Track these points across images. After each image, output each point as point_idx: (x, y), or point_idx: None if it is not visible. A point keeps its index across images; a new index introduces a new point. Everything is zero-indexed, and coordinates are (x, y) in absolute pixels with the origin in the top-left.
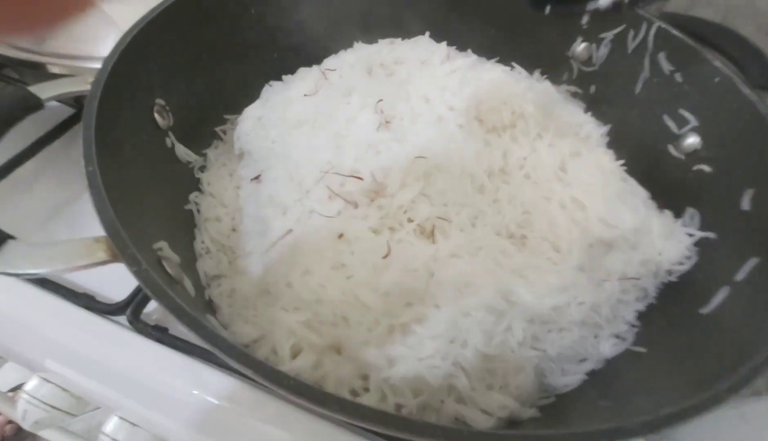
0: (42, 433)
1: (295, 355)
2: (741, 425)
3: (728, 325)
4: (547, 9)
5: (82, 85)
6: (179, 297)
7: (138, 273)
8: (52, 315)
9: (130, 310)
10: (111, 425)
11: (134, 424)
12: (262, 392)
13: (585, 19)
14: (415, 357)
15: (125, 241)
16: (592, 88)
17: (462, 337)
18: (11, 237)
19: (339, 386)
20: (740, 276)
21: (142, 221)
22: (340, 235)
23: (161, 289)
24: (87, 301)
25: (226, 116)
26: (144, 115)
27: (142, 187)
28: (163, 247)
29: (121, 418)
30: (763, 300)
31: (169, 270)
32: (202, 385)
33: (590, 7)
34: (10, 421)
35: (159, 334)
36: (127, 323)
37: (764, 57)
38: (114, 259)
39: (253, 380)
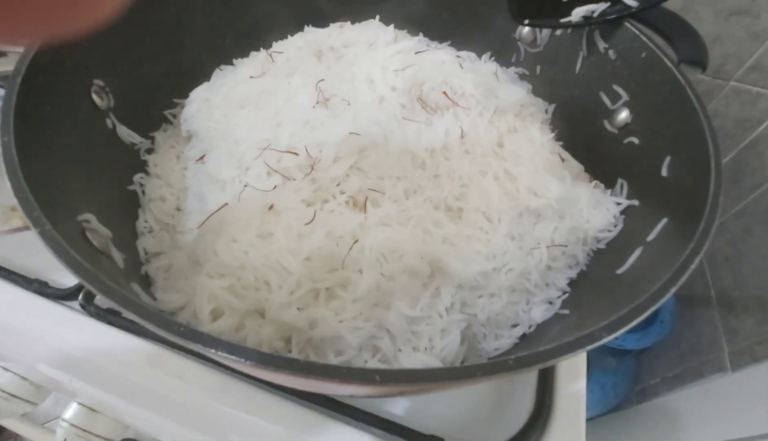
0: (5, 423)
1: (215, 318)
2: (706, 400)
3: (635, 282)
4: (525, 22)
5: (11, 65)
6: (97, 265)
7: (41, 233)
8: (3, 302)
9: (82, 294)
10: (71, 412)
11: (93, 410)
12: (216, 371)
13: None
14: (336, 318)
15: (31, 204)
16: (538, 69)
17: (386, 300)
18: None
19: (259, 346)
20: (651, 236)
21: (69, 194)
22: (270, 207)
23: (62, 247)
24: (39, 287)
25: (176, 100)
26: (80, 94)
27: (73, 164)
28: (90, 219)
29: (80, 404)
30: (664, 256)
31: (93, 241)
32: (156, 365)
33: (563, 21)
34: None
35: (112, 317)
36: (79, 308)
37: (693, 33)
38: (27, 225)
39: (205, 359)
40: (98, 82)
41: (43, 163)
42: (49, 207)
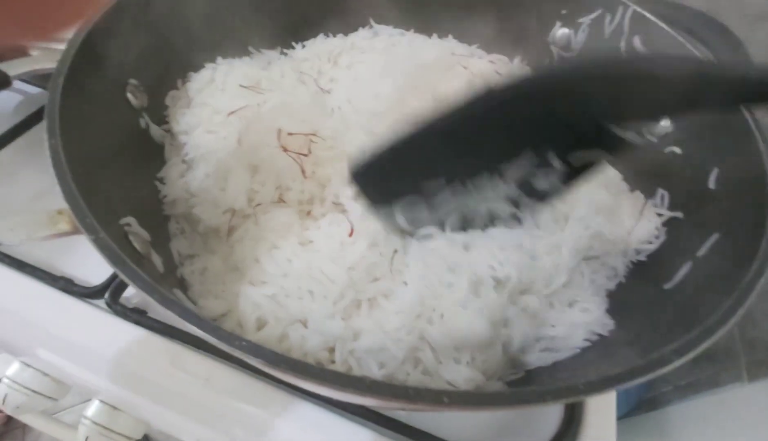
0: (24, 418)
1: (260, 328)
2: (721, 410)
3: (689, 298)
4: None
5: (51, 63)
6: (142, 269)
7: (96, 241)
8: (30, 298)
9: (108, 293)
10: (92, 409)
11: (115, 408)
12: (240, 372)
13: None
14: (380, 329)
15: (84, 210)
16: None
17: (428, 314)
18: None
19: (304, 358)
20: (702, 252)
21: (110, 197)
22: (309, 212)
23: (118, 256)
24: (65, 285)
25: None
26: (116, 93)
27: (112, 165)
28: (131, 222)
29: (102, 401)
30: (719, 273)
31: (136, 245)
32: (182, 366)
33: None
34: None
35: (138, 316)
36: (105, 306)
37: (735, 40)
38: (75, 230)
39: (230, 360)
40: (133, 80)
41: (85, 165)
42: (96, 211)
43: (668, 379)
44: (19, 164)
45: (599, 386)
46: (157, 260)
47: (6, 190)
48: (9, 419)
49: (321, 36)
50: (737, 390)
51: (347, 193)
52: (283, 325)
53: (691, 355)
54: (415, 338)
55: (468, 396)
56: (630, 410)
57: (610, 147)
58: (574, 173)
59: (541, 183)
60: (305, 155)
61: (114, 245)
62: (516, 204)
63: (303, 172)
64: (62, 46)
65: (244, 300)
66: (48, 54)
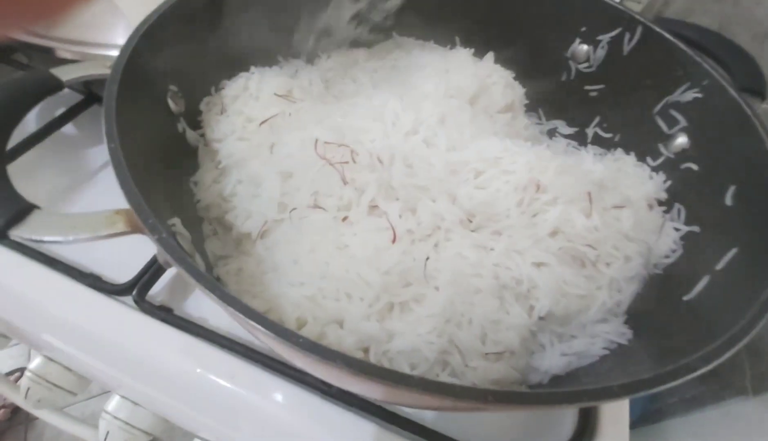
0: (40, 413)
1: (300, 327)
2: (727, 425)
3: (709, 309)
4: None
5: (101, 69)
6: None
7: (160, 241)
8: (59, 294)
9: (136, 290)
10: (113, 404)
11: (136, 403)
12: (264, 371)
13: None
14: (413, 332)
15: (147, 211)
16: (589, 89)
17: (457, 319)
18: (36, 207)
19: None
20: (720, 265)
21: (156, 199)
22: (344, 218)
23: (182, 255)
24: (93, 281)
25: None
26: (158, 100)
27: (154, 168)
28: (176, 223)
29: (122, 397)
30: (738, 286)
31: (183, 245)
32: (205, 364)
33: None
34: (2, 406)
35: (164, 314)
36: (132, 303)
37: (751, 61)
38: (133, 230)
39: (254, 359)
40: (173, 87)
41: (138, 167)
42: (154, 212)
43: (673, 391)
44: (45, 164)
45: (633, 388)
46: (198, 260)
47: (32, 190)
48: (12, 415)
49: (344, 47)
50: (742, 403)
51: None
52: (321, 324)
53: (716, 362)
54: (445, 341)
55: (510, 395)
56: (635, 421)
57: None
58: None
59: None
60: (345, 163)
61: (177, 244)
62: None
63: (344, 180)
64: (102, 52)
65: (285, 300)
66: (99, 60)
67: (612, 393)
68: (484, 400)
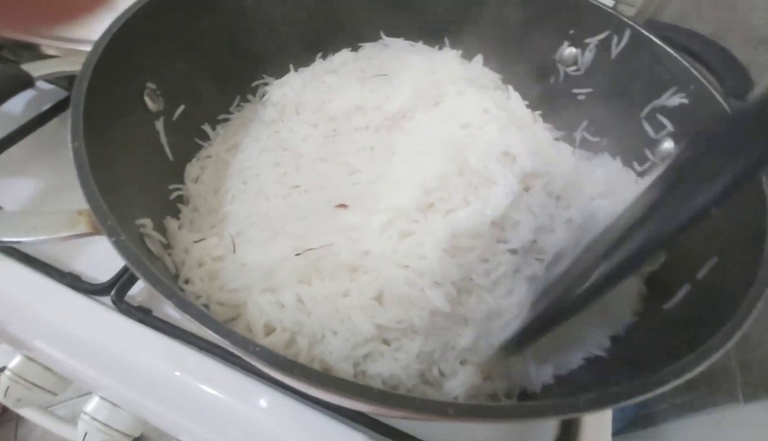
0: (23, 412)
1: (268, 333)
2: (718, 431)
3: (689, 319)
4: None
5: (74, 65)
6: (157, 271)
7: (117, 243)
8: (37, 293)
9: (114, 291)
10: (92, 405)
11: (115, 405)
12: (242, 375)
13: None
14: (396, 363)
15: (106, 212)
16: (577, 92)
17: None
18: None
19: (311, 363)
20: (701, 274)
21: (127, 199)
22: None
23: (138, 259)
24: (72, 281)
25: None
26: (134, 97)
27: (129, 167)
28: (146, 224)
29: (102, 398)
30: (717, 295)
31: (150, 247)
32: (183, 366)
33: None
34: None
35: (142, 315)
36: (111, 304)
37: (740, 67)
38: (95, 231)
39: (233, 362)
40: (150, 84)
41: (105, 166)
42: (116, 212)
43: (664, 397)
44: (29, 161)
45: (598, 403)
46: (169, 262)
47: (16, 186)
48: (3, 412)
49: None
50: (733, 410)
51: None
52: (290, 332)
53: (688, 375)
54: (426, 364)
55: (473, 408)
56: (625, 427)
57: None
58: None
59: None
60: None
61: (134, 248)
62: None
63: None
64: (86, 48)
65: (253, 306)
66: (72, 56)
67: (576, 407)
68: (445, 414)
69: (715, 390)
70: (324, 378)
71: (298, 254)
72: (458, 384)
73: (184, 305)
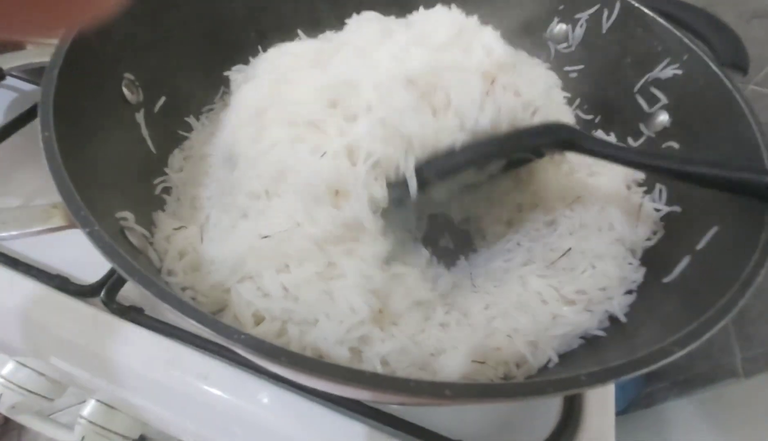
0: (20, 419)
1: (257, 323)
2: (719, 407)
3: (690, 291)
4: None
5: (45, 56)
6: (138, 263)
7: (90, 234)
8: (25, 297)
9: (104, 291)
10: (88, 409)
11: (112, 407)
12: (239, 370)
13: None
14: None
15: (78, 203)
16: (569, 70)
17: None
18: None
19: (303, 351)
20: (701, 245)
21: (106, 192)
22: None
23: (113, 249)
24: (60, 283)
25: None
26: (112, 88)
27: (108, 160)
28: (127, 217)
29: (98, 401)
30: (718, 265)
31: (132, 240)
32: (178, 365)
33: None
34: None
35: (135, 314)
36: (101, 305)
37: (734, 36)
38: (70, 224)
39: (230, 359)
40: (128, 75)
41: (80, 158)
42: (91, 204)
43: (665, 375)
44: (13, 163)
45: (602, 377)
46: (153, 256)
47: (3, 187)
48: (6, 421)
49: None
50: (733, 386)
51: None
52: (280, 321)
53: (692, 346)
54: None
55: (470, 388)
56: (627, 406)
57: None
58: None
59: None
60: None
61: (109, 238)
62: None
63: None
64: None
65: (237, 296)
66: (43, 47)
67: (579, 382)
68: (442, 395)
69: (715, 366)
70: (314, 364)
71: (264, 237)
72: (452, 371)
73: (163, 295)
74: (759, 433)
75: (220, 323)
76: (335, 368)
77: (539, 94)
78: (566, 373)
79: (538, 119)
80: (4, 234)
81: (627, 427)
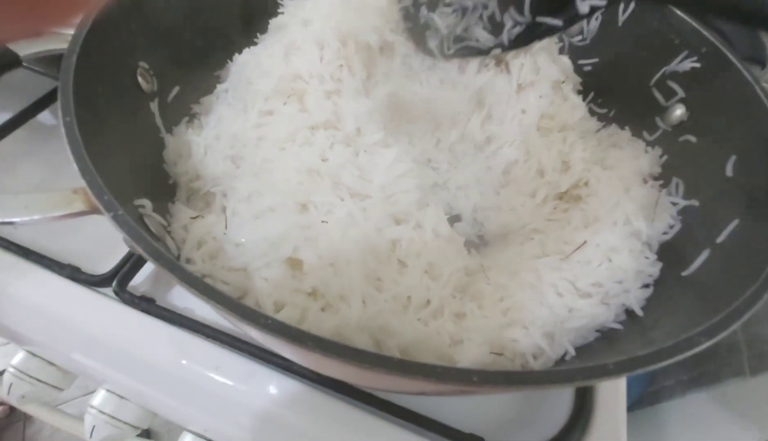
0: (28, 409)
1: (278, 310)
2: (724, 405)
3: (710, 284)
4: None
5: (62, 43)
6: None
7: (115, 218)
8: (37, 286)
9: (116, 281)
10: (98, 398)
11: (122, 397)
12: (250, 361)
13: None
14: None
15: (102, 187)
16: (584, 63)
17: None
18: None
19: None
20: (721, 238)
21: (124, 180)
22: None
23: (139, 233)
24: (72, 272)
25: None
26: (127, 76)
27: (124, 148)
28: (145, 204)
29: (108, 390)
30: (740, 258)
31: (151, 227)
32: (189, 355)
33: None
34: (1, 403)
35: (146, 304)
36: (113, 295)
37: (751, 30)
38: (92, 209)
39: (240, 349)
40: (143, 64)
41: (99, 145)
42: (113, 190)
43: (671, 373)
44: (21, 154)
45: (629, 366)
46: (171, 244)
47: (8, 181)
48: (11, 412)
49: None
50: (739, 384)
51: None
52: (300, 308)
53: (718, 337)
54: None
55: (497, 375)
56: (632, 404)
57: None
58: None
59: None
60: None
61: (133, 222)
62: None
63: None
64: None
65: (259, 283)
66: (58, 35)
67: (608, 370)
68: (469, 381)
69: (721, 364)
70: (341, 349)
71: (303, 227)
72: (471, 361)
73: (189, 279)
74: (764, 431)
75: (246, 307)
76: (362, 354)
77: None
78: (591, 362)
79: None
80: (26, 218)
81: (633, 423)
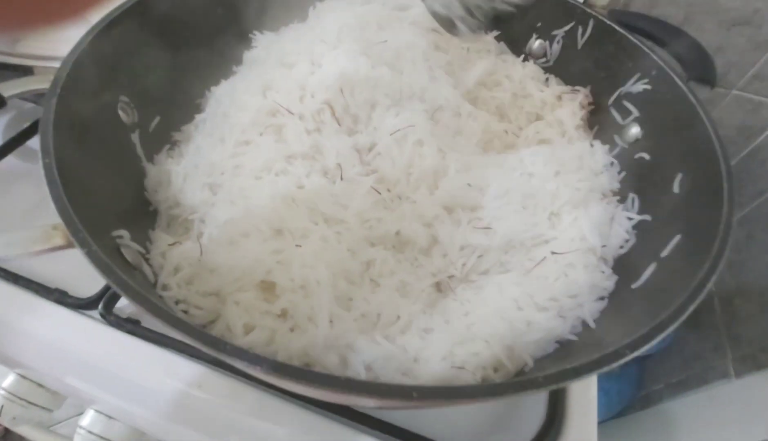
0: (21, 430)
1: (247, 332)
2: (710, 407)
3: (653, 297)
4: None
5: (45, 83)
6: (133, 280)
7: (88, 254)
8: (25, 311)
9: (102, 304)
10: (87, 419)
11: (110, 417)
12: (235, 380)
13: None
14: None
15: (77, 225)
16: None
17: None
18: None
19: (290, 361)
20: (665, 252)
21: (103, 211)
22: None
23: (109, 267)
24: (59, 296)
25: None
26: (108, 111)
27: (105, 180)
28: (123, 235)
29: (97, 411)
30: (679, 272)
31: (127, 257)
32: (175, 374)
33: None
34: None
35: (131, 326)
36: (99, 317)
37: (702, 51)
38: (69, 244)
39: (224, 367)
40: (124, 98)
41: (78, 180)
42: (89, 225)
43: (660, 377)
44: (13, 178)
45: (556, 378)
46: (148, 271)
47: (2, 203)
48: (6, 432)
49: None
50: (725, 386)
51: None
52: (269, 330)
53: (642, 349)
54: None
55: (436, 390)
56: (624, 408)
57: None
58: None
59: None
60: None
61: (105, 257)
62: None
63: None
64: (57, 65)
65: (231, 305)
66: (43, 74)
67: (537, 383)
68: (410, 397)
69: (707, 368)
70: (290, 370)
71: (276, 252)
72: (432, 376)
73: (154, 310)
74: (749, 432)
75: (207, 334)
76: (311, 374)
77: None
78: (525, 377)
79: None
80: (9, 254)
81: (625, 427)
